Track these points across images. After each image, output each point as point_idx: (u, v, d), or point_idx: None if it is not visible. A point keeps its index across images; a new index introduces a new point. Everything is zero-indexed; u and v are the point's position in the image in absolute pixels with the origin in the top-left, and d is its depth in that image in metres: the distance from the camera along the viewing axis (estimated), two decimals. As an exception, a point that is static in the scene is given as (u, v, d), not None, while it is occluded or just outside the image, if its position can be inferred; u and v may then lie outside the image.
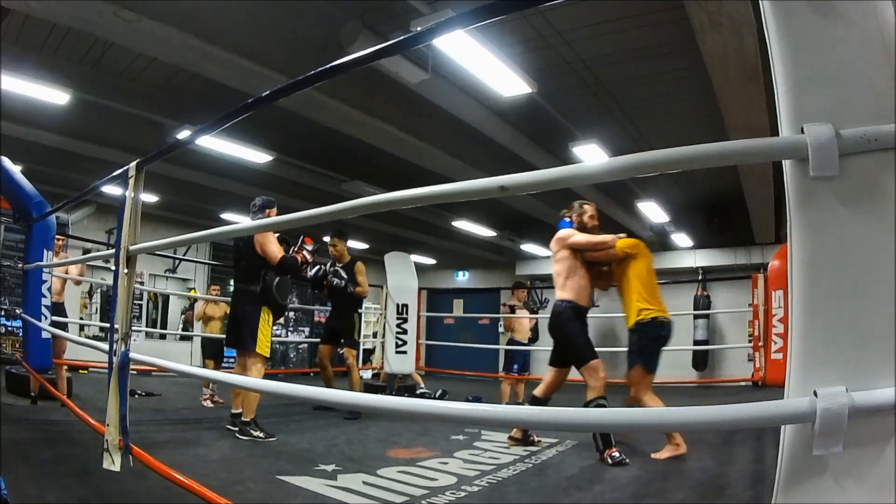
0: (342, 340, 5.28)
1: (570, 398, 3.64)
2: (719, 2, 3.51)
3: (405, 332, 6.49)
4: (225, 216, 9.38)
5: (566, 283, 3.62)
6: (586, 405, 3.37)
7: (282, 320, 11.17)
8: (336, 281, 5.08)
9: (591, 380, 3.46)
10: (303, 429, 4.28)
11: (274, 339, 10.34)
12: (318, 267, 5.11)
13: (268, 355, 3.88)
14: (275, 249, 3.84)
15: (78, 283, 5.52)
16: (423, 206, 7.68)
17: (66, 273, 5.14)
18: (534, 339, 6.01)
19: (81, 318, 8.41)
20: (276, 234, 4.03)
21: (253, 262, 3.87)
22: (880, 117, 0.78)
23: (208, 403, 5.31)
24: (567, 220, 3.83)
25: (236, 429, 3.77)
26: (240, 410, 3.80)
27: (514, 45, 4.43)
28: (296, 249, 4.19)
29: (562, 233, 3.72)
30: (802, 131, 0.80)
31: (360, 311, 5.39)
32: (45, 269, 4.08)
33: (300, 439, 3.92)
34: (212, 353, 6.05)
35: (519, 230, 10.17)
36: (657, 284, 3.70)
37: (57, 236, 4.52)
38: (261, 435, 3.71)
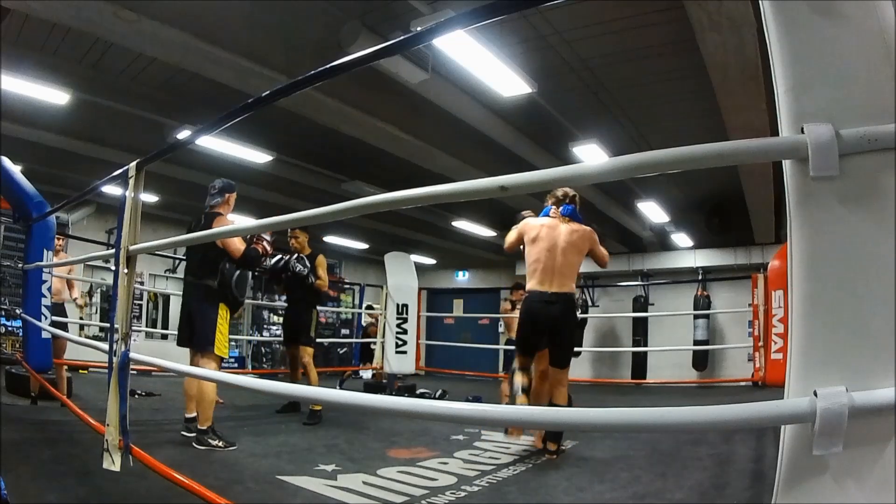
0: (301, 338, 4.77)
1: (592, 398, 3.65)
2: (719, 2, 3.50)
3: (405, 332, 6.49)
4: (225, 216, 9.36)
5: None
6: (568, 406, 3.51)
7: (282, 319, 11.19)
8: (299, 268, 4.66)
9: (567, 379, 3.52)
10: (302, 429, 4.28)
11: (273, 338, 10.46)
12: (278, 257, 4.76)
13: (226, 356, 3.60)
14: (237, 241, 3.52)
15: (81, 307, 5.50)
16: (423, 206, 7.69)
17: (69, 272, 5.15)
18: None
19: (81, 318, 8.40)
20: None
21: (209, 255, 3.53)
22: (880, 117, 0.78)
23: None
24: (570, 204, 3.59)
25: (192, 435, 3.47)
26: (194, 415, 3.52)
27: (514, 45, 4.43)
28: (255, 240, 3.86)
29: (594, 235, 3.55)
30: (802, 131, 0.80)
31: (318, 307, 4.99)
32: (45, 269, 4.08)
33: (300, 439, 3.92)
34: None
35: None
36: None
37: (57, 235, 4.52)
38: (220, 444, 3.39)
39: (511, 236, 3.66)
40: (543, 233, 3.44)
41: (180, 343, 3.67)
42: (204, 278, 3.55)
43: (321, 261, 4.88)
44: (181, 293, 3.89)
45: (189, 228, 3.75)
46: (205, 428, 3.41)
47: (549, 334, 3.44)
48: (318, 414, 4.49)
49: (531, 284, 3.42)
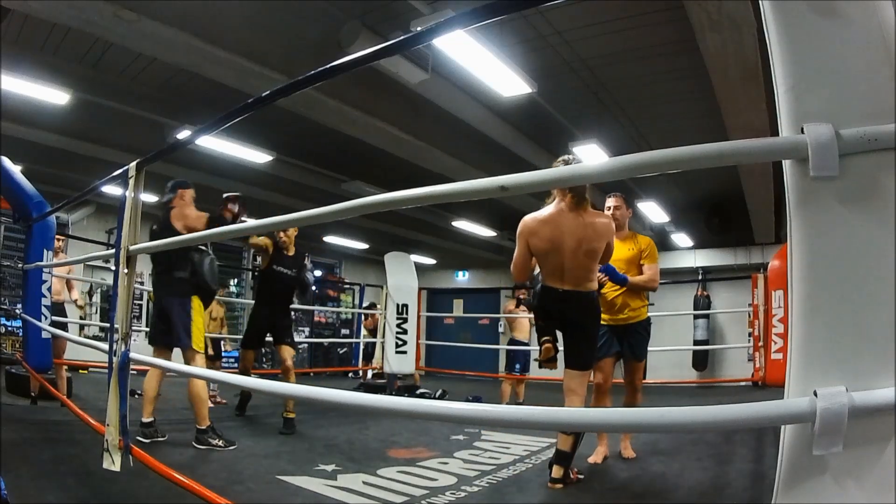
0: (287, 339, 4.42)
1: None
2: (719, 2, 3.51)
3: (405, 332, 6.49)
4: (225, 216, 9.37)
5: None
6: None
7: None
8: (308, 279, 4.42)
9: (583, 388, 2.91)
10: (303, 429, 4.28)
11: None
12: (290, 270, 4.45)
13: (202, 350, 3.45)
14: (195, 217, 3.36)
15: (81, 307, 5.51)
16: (423, 206, 7.69)
17: (68, 272, 5.15)
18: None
19: (82, 318, 8.40)
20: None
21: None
22: (880, 117, 0.78)
23: (210, 403, 5.30)
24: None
25: (147, 441, 3.29)
26: (151, 419, 3.41)
27: (514, 45, 4.43)
28: (221, 209, 3.66)
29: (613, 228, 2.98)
30: (802, 131, 0.80)
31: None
32: (45, 269, 4.08)
33: (300, 439, 3.92)
34: (214, 352, 6.08)
35: (519, 230, 10.17)
36: None
37: (57, 236, 4.52)
38: (220, 443, 3.34)
39: (516, 255, 2.89)
40: (546, 233, 2.78)
41: (152, 341, 3.50)
42: (173, 271, 3.39)
43: (307, 262, 4.70)
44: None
45: (150, 230, 3.51)
46: (204, 427, 3.36)
47: (564, 327, 2.86)
48: (292, 422, 4.16)
49: (544, 280, 2.87)
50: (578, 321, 2.84)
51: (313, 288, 4.49)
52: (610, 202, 3.47)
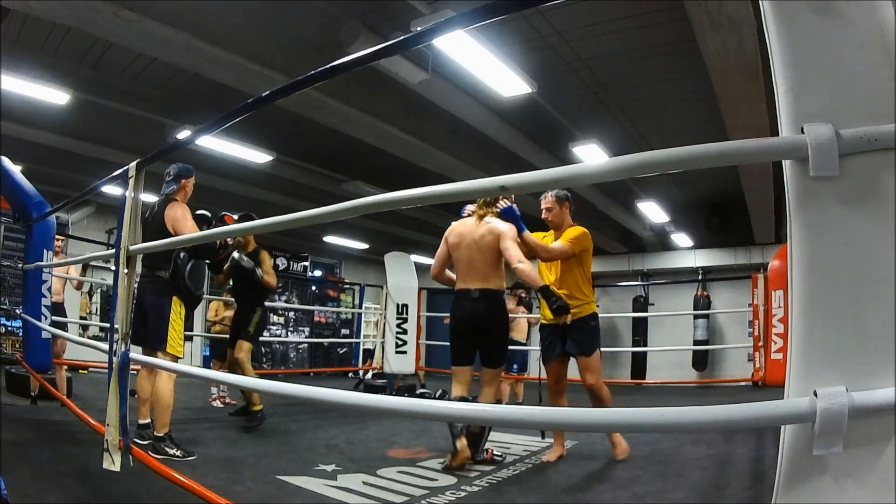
0: (241, 333, 4.43)
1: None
2: (719, 2, 3.51)
3: (405, 332, 6.49)
4: (225, 216, 9.37)
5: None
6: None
7: (281, 319, 11.15)
8: (246, 261, 4.32)
9: (498, 381, 3.49)
10: (303, 429, 4.28)
11: (273, 338, 10.42)
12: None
13: (181, 355, 3.26)
14: (189, 228, 3.15)
15: (78, 286, 5.45)
16: (423, 206, 7.69)
17: (67, 273, 5.15)
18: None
19: (83, 318, 8.41)
20: (197, 213, 3.44)
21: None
22: (880, 117, 0.78)
23: (218, 403, 5.30)
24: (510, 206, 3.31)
25: (145, 442, 3.13)
26: (148, 421, 3.22)
27: (514, 45, 4.43)
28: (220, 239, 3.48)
29: (504, 232, 3.23)
30: (802, 131, 0.80)
31: (265, 304, 4.64)
32: (45, 269, 4.08)
33: (300, 439, 3.92)
34: (219, 352, 6.07)
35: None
36: None
37: (57, 236, 4.52)
38: (178, 453, 3.08)
39: (437, 252, 3.45)
40: (459, 229, 3.36)
41: (134, 341, 3.35)
42: (156, 269, 3.21)
43: (265, 256, 4.51)
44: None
45: (143, 217, 3.24)
46: (161, 435, 3.11)
47: (478, 332, 3.29)
48: (258, 415, 4.17)
49: (458, 284, 3.36)
50: (490, 327, 3.29)
51: (255, 273, 4.33)
52: (543, 204, 3.47)
